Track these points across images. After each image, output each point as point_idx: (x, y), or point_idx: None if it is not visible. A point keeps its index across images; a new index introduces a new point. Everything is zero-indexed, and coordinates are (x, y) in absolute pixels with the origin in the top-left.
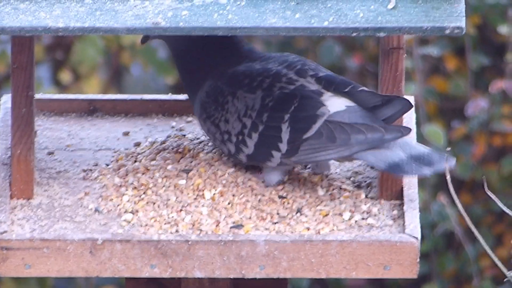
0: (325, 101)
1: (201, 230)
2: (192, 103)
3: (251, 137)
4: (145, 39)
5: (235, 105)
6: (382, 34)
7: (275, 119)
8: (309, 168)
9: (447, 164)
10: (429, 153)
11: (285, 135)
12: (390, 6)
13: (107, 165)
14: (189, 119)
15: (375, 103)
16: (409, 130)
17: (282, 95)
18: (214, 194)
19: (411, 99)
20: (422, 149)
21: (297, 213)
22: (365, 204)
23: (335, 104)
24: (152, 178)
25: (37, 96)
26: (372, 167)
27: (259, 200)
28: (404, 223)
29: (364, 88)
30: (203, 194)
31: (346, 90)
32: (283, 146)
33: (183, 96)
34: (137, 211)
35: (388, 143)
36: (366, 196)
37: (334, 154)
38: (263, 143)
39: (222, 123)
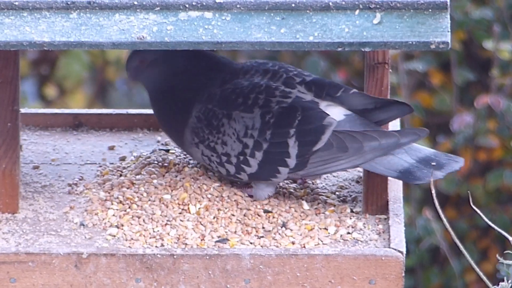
0: (324, 110)
1: (186, 244)
2: (174, 135)
3: (254, 156)
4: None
5: (233, 127)
6: (367, 49)
7: (280, 135)
8: (298, 182)
9: (462, 164)
10: (436, 155)
11: (293, 150)
12: (375, 21)
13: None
14: None
15: (367, 106)
16: (426, 132)
17: (281, 109)
18: (199, 208)
19: None
20: (428, 150)
21: (282, 227)
22: (350, 219)
23: (333, 114)
24: (137, 192)
25: (23, 110)
26: (357, 182)
27: (245, 214)
28: (389, 237)
29: (355, 90)
30: (188, 208)
31: (338, 94)
32: (292, 161)
33: None
34: (122, 225)
35: (394, 150)
36: (352, 211)
37: (346, 164)
38: (268, 160)
39: (219, 145)
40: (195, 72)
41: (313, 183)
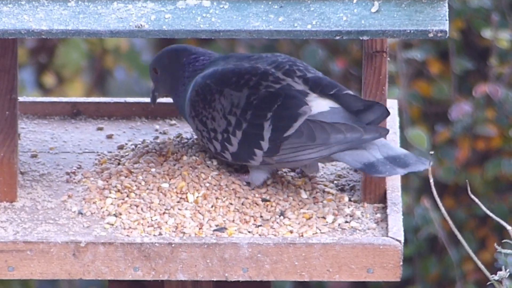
0: (310, 101)
1: (184, 233)
2: (177, 104)
3: (235, 135)
4: (153, 100)
5: (222, 103)
6: (365, 38)
7: (258, 117)
8: (297, 171)
9: (428, 166)
10: (406, 155)
11: (267, 133)
12: (373, 9)
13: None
14: (173, 122)
15: (358, 107)
16: (386, 131)
17: (267, 93)
18: (197, 197)
19: (395, 102)
20: (400, 151)
21: (280, 216)
22: (349, 207)
23: (319, 105)
24: (135, 181)
25: (21, 99)
26: (355, 170)
27: (243, 203)
28: (387, 226)
29: (349, 91)
30: (186, 197)
31: (331, 92)
32: (265, 144)
33: (166, 99)
34: (120, 213)
35: (367, 144)
36: (350, 200)
37: (314, 153)
38: (246, 141)
39: (209, 121)
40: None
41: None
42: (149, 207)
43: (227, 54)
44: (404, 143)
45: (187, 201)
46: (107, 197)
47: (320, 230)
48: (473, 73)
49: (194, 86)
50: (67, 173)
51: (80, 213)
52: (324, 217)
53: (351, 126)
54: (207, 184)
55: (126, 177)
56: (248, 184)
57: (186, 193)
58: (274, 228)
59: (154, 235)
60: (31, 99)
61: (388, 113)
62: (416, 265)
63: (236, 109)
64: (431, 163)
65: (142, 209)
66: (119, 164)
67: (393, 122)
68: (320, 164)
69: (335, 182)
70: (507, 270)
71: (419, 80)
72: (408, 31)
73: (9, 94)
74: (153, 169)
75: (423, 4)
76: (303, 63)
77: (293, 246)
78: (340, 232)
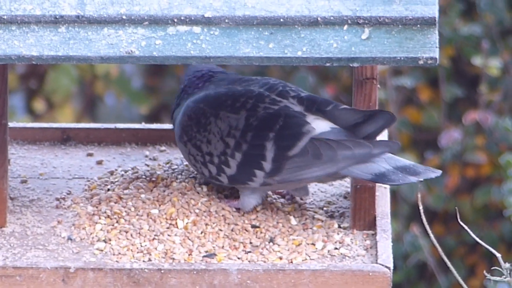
0: (310, 121)
1: (173, 259)
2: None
3: (234, 157)
4: None
5: (218, 126)
6: (355, 64)
7: (260, 137)
8: (287, 197)
9: (438, 174)
10: (415, 165)
11: (270, 153)
12: (363, 36)
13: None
14: (163, 148)
15: (357, 120)
16: (397, 144)
17: (266, 114)
18: (187, 223)
19: (385, 130)
20: (408, 162)
21: (269, 242)
22: (338, 234)
23: (319, 125)
24: (125, 207)
25: (11, 124)
26: (345, 197)
27: (232, 229)
28: (376, 253)
29: (345, 106)
30: (176, 223)
31: (328, 108)
32: (267, 165)
33: (156, 125)
34: (110, 239)
35: (374, 158)
36: (339, 226)
37: (320, 171)
38: (246, 162)
39: (204, 144)
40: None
41: (301, 199)
42: (139, 233)
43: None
44: None
45: (177, 227)
46: (96, 223)
47: (309, 256)
48: (463, 100)
49: (185, 111)
50: (57, 199)
51: (69, 238)
52: (313, 244)
53: (358, 142)
54: (197, 210)
55: (115, 203)
56: (238, 210)
57: (176, 219)
58: (263, 255)
59: (143, 261)
60: (21, 124)
61: (394, 119)
62: None
63: (235, 131)
64: (439, 173)
65: (131, 235)
66: (108, 190)
67: None
68: (311, 189)
69: (325, 208)
70: None
71: (409, 107)
72: (398, 58)
73: None
74: (142, 195)
75: (413, 31)
76: (294, 86)
77: (283, 273)
78: (330, 259)
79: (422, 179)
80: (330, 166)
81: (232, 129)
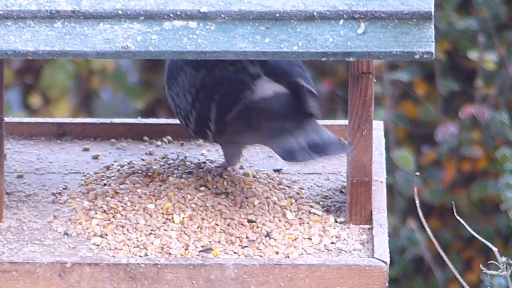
0: (257, 85)
1: (170, 254)
2: None
3: (192, 114)
4: None
5: (183, 81)
6: (351, 59)
7: (208, 98)
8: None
9: (348, 152)
10: (331, 141)
11: (213, 115)
12: (359, 31)
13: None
14: (159, 143)
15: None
16: (317, 115)
17: (219, 75)
18: (183, 218)
19: (381, 124)
20: (327, 136)
21: (266, 237)
22: (334, 228)
23: (264, 90)
24: (121, 202)
25: (7, 119)
26: (341, 192)
27: (228, 224)
28: (373, 247)
29: (300, 80)
30: (172, 218)
31: (283, 77)
32: (212, 126)
33: (152, 120)
34: (106, 234)
35: (298, 130)
36: (335, 221)
37: (250, 139)
38: (199, 121)
39: (175, 96)
40: None
41: (298, 193)
42: (135, 228)
43: None
44: (390, 164)
45: (173, 222)
46: (93, 218)
47: (306, 251)
48: (459, 94)
49: (168, 63)
50: (53, 194)
51: (66, 233)
52: (310, 238)
53: (286, 114)
54: (193, 205)
55: (112, 198)
56: (235, 204)
57: (172, 214)
58: (260, 249)
59: (140, 256)
60: (17, 119)
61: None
62: (402, 286)
63: (192, 89)
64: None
65: (128, 230)
66: (105, 185)
67: (379, 143)
68: (306, 185)
69: (321, 203)
70: None
71: (405, 101)
72: (394, 52)
73: None
74: (139, 190)
75: (409, 26)
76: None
77: (279, 267)
78: (326, 253)
79: (322, 156)
80: (256, 135)
81: (191, 86)
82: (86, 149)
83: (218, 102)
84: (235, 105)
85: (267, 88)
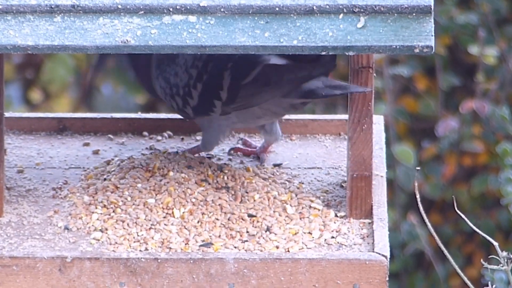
0: (271, 56)
1: (170, 248)
2: (146, 84)
3: (196, 88)
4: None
5: (184, 57)
6: (351, 53)
7: (219, 67)
8: (251, 153)
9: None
10: (346, 85)
11: (226, 82)
12: (359, 25)
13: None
14: (159, 138)
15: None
16: (334, 66)
17: None
18: (183, 212)
19: (381, 119)
20: (342, 83)
21: (266, 231)
22: (335, 223)
23: (275, 59)
24: (121, 197)
25: (7, 114)
26: (342, 186)
27: (229, 219)
28: (373, 241)
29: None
30: (172, 213)
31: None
32: (224, 94)
33: (152, 115)
34: (106, 229)
35: (312, 79)
36: (336, 215)
37: (268, 96)
38: (206, 92)
39: (172, 77)
40: None
41: (298, 188)
42: (135, 222)
43: None
44: (391, 159)
45: (173, 217)
46: (93, 212)
47: (306, 245)
48: (459, 89)
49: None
50: (53, 189)
51: (66, 228)
52: (310, 233)
53: (300, 65)
54: (193, 200)
55: (112, 192)
56: (234, 198)
57: (172, 209)
58: (260, 244)
59: (140, 251)
60: (17, 114)
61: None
62: (402, 281)
63: (198, 62)
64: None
65: (128, 224)
66: (105, 179)
67: (379, 138)
68: (307, 179)
69: (321, 197)
70: (494, 286)
71: (405, 96)
72: (394, 46)
73: None
74: (139, 185)
75: (409, 20)
76: None
77: (279, 262)
78: (326, 248)
79: (346, 92)
80: (276, 90)
81: (196, 60)
82: (87, 144)
83: (233, 68)
84: (251, 69)
85: (278, 59)
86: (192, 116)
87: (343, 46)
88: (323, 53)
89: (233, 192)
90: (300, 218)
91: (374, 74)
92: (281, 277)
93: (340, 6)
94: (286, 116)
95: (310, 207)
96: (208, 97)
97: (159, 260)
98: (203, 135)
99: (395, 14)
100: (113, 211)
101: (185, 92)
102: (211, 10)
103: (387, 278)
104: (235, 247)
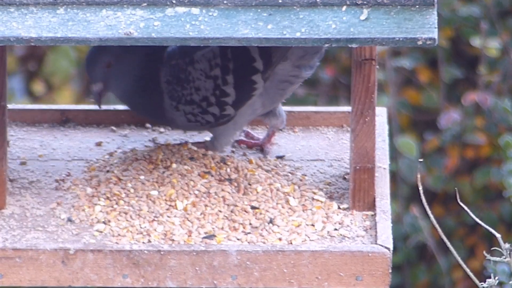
0: None
1: (173, 240)
2: (154, 115)
3: (227, 82)
4: (99, 101)
5: (198, 68)
6: (354, 45)
7: (240, 48)
8: (254, 145)
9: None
10: None
11: (255, 52)
12: (362, 17)
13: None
14: (162, 129)
15: None
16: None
17: None
18: (186, 204)
19: (384, 111)
20: None
21: (269, 223)
22: (337, 215)
23: None
24: (124, 189)
25: (10, 106)
26: (344, 178)
27: (232, 211)
28: (376, 233)
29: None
30: (175, 205)
31: None
32: (259, 64)
33: None
34: (109, 221)
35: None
36: (339, 207)
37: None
38: (240, 76)
39: (195, 95)
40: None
41: (301, 180)
42: (138, 214)
43: None
44: (393, 151)
45: (176, 209)
46: (96, 204)
47: (309, 237)
48: (462, 81)
49: (160, 79)
50: (56, 181)
51: (69, 220)
52: (313, 225)
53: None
54: (196, 192)
55: (115, 184)
56: (238, 191)
57: (175, 201)
58: (263, 236)
59: (143, 243)
60: (20, 106)
61: None
62: (405, 273)
63: (215, 60)
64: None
65: (131, 216)
66: (108, 171)
67: (382, 130)
68: (310, 171)
69: (324, 189)
70: (496, 278)
71: (408, 88)
72: (397, 38)
73: None
74: (142, 177)
75: (412, 12)
76: None
77: (282, 254)
78: (329, 240)
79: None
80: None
81: (212, 60)
82: (89, 136)
83: (260, 53)
84: (274, 52)
85: None
86: (234, 114)
87: (346, 38)
88: (326, 45)
89: (236, 184)
90: (303, 210)
91: (377, 66)
92: (284, 269)
93: None
94: (289, 108)
95: (313, 199)
96: (245, 80)
97: (162, 252)
98: (216, 138)
99: (398, 6)
100: (116, 203)
101: (217, 96)
102: (214, 2)
103: (390, 270)
104: (238, 239)
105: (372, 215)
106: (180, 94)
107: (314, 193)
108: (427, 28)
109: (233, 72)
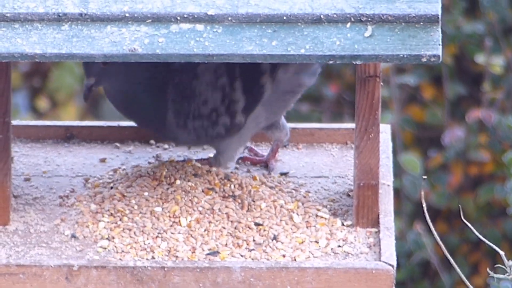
0: None
1: (177, 257)
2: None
3: (235, 89)
4: (87, 95)
5: (204, 81)
6: (358, 62)
7: (251, 65)
8: (259, 162)
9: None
10: None
11: (266, 68)
12: (366, 34)
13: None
14: (166, 146)
15: None
16: None
17: None
18: (190, 221)
19: (388, 127)
20: None
21: (273, 240)
22: (341, 232)
23: None
24: (128, 205)
25: (14, 122)
26: (348, 195)
27: (235, 227)
28: (380, 250)
29: None
30: (179, 221)
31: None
32: (265, 65)
33: None
34: (113, 237)
35: None
36: (342, 224)
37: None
38: (248, 80)
39: (203, 108)
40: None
41: (305, 196)
42: (142, 231)
43: None
44: (397, 168)
45: (180, 225)
46: (100, 220)
47: (313, 254)
48: (466, 98)
49: (166, 99)
50: (60, 197)
51: (73, 236)
52: (317, 241)
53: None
54: (200, 208)
55: (119, 201)
56: (242, 207)
57: (179, 217)
58: (267, 252)
59: (146, 259)
60: (24, 122)
61: None
62: None
63: (219, 70)
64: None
65: (135, 233)
66: (112, 188)
67: (386, 146)
68: (313, 188)
69: (328, 206)
70: None
71: (412, 105)
72: (401, 55)
73: (2, 117)
74: (146, 193)
75: (416, 29)
76: None
77: (286, 270)
78: (333, 257)
79: None
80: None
81: (217, 70)
82: (93, 152)
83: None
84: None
85: None
86: (244, 120)
87: (350, 55)
88: (331, 62)
89: (240, 201)
90: (307, 227)
91: (381, 83)
92: (287, 285)
93: (348, 15)
94: (293, 125)
95: (316, 216)
96: (253, 83)
97: (165, 269)
98: (220, 154)
99: (403, 23)
100: (120, 220)
101: (227, 106)
102: (218, 18)
103: (394, 287)
104: (241, 256)
105: (376, 232)
106: (187, 110)
107: (318, 209)
108: (431, 45)
109: (240, 77)
